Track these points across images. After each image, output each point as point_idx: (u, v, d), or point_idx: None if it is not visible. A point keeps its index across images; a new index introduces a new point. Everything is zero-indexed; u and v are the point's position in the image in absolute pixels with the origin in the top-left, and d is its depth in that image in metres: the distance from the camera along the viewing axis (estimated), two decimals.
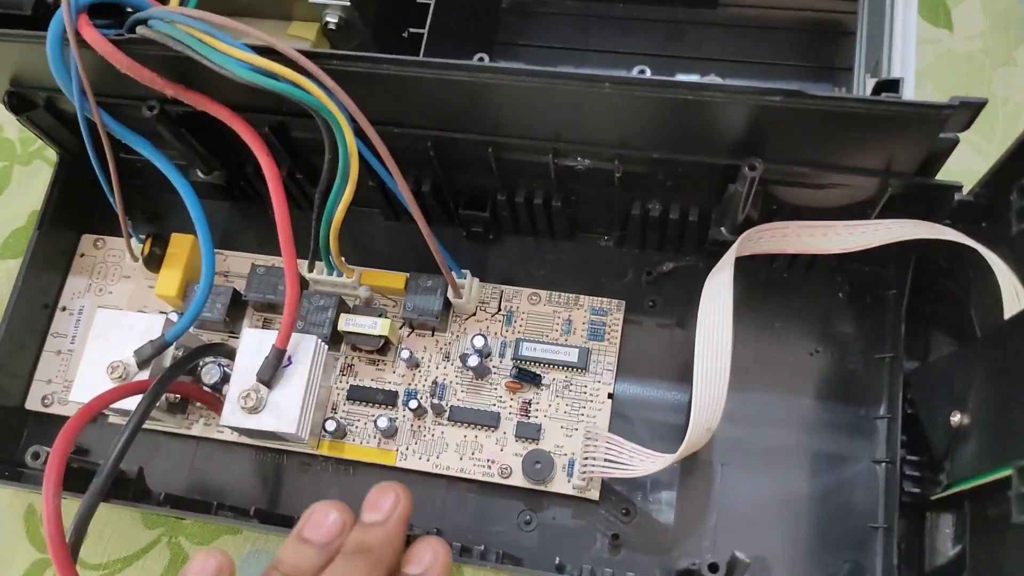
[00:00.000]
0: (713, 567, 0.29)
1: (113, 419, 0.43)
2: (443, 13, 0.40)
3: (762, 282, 0.42)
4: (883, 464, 0.38)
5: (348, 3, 0.38)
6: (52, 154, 0.45)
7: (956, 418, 0.33)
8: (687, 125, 0.33)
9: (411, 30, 0.40)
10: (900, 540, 0.37)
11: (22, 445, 0.44)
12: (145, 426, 0.41)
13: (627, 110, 0.33)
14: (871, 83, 0.32)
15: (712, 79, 0.31)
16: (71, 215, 0.46)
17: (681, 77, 0.31)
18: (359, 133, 0.34)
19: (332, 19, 0.39)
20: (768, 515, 0.39)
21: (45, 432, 0.44)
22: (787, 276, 0.42)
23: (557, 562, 0.36)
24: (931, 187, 0.34)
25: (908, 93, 0.32)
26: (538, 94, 0.33)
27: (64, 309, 0.45)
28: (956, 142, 0.32)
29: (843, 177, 0.34)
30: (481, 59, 0.33)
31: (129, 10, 0.34)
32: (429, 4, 0.40)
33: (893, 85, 0.31)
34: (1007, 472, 0.28)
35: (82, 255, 0.46)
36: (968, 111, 0.29)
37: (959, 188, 0.34)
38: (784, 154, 0.34)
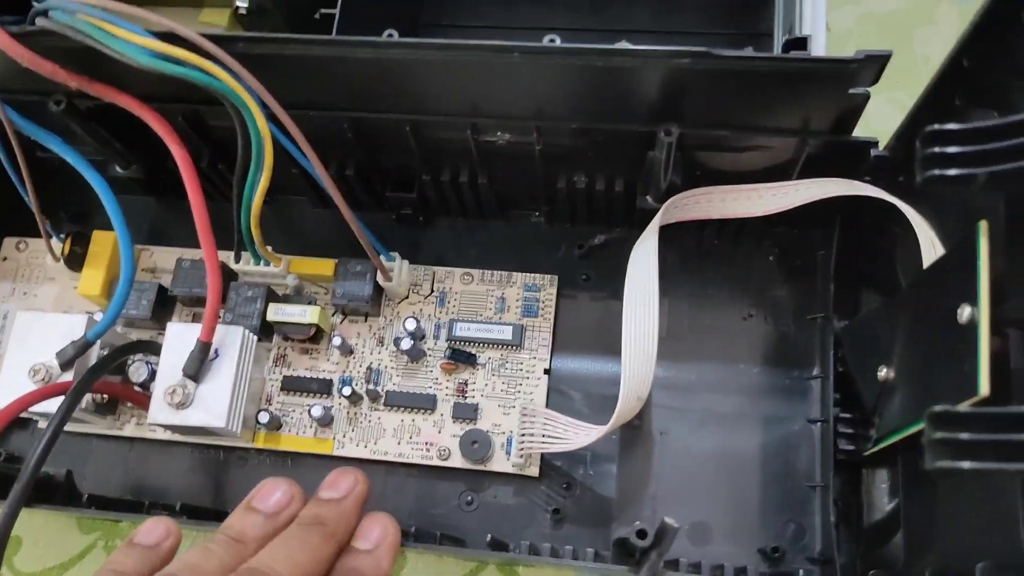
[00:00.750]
0: (641, 534, 0.29)
1: (43, 424, 0.42)
2: None
3: (693, 251, 0.42)
4: (818, 423, 0.39)
5: None
6: None
7: (883, 372, 0.33)
8: (602, 93, 0.33)
9: (323, 11, 0.40)
10: (837, 498, 0.37)
11: None
12: (76, 429, 0.41)
13: (540, 80, 0.33)
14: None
15: (622, 44, 0.31)
16: None
17: None
18: (273, 118, 0.33)
19: (243, 3, 0.39)
20: (708, 481, 0.39)
21: None
22: (717, 243, 0.42)
23: (489, 539, 0.35)
24: (848, 144, 0.34)
25: (818, 50, 0.32)
26: (450, 68, 0.33)
27: None
28: (867, 97, 0.32)
29: (761, 138, 0.35)
30: (390, 35, 0.33)
31: (34, 3, 0.33)
32: None
33: (801, 43, 0.31)
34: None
35: (4, 259, 0.45)
36: (874, 64, 0.30)
37: (875, 144, 0.34)
38: (701, 118, 0.34)
